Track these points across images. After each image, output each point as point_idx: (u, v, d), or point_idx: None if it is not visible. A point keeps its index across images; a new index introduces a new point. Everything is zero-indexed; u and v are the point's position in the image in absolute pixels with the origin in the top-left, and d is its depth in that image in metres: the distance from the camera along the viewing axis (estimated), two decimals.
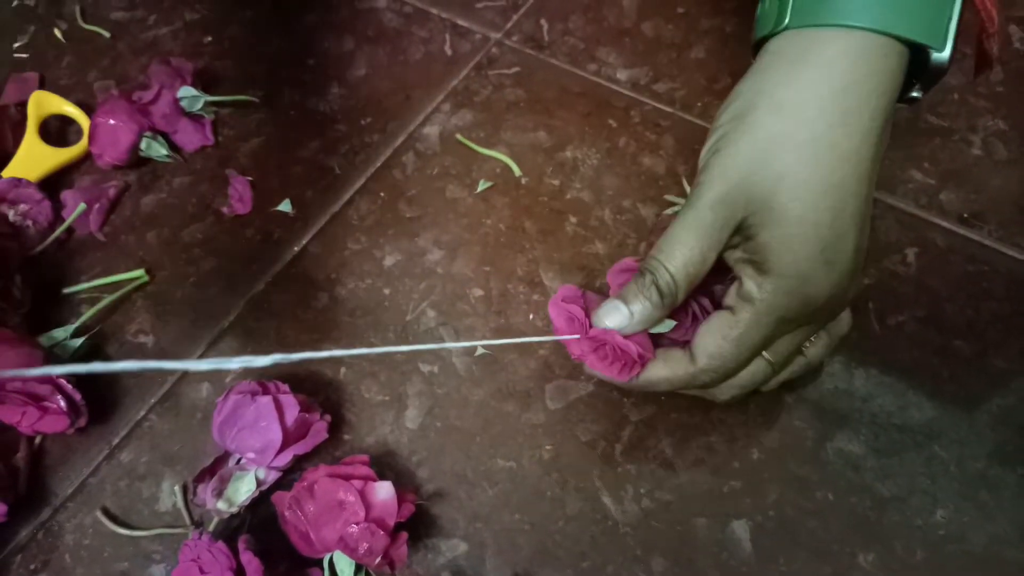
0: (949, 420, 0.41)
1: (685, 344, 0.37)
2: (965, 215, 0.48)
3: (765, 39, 0.36)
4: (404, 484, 0.41)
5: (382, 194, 0.52)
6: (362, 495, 0.36)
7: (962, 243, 0.47)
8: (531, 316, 0.46)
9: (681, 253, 0.34)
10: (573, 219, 0.50)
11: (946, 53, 0.33)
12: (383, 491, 0.37)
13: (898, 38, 0.33)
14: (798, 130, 0.33)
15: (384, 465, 0.42)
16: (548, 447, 0.42)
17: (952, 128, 0.52)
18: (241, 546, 0.36)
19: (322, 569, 0.37)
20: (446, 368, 0.45)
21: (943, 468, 0.40)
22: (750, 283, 0.34)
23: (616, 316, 0.35)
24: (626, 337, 0.36)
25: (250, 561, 0.36)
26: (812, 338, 0.38)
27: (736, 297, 0.35)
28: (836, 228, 0.33)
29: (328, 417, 0.41)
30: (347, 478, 0.37)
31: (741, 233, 0.34)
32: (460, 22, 0.60)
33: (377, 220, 0.51)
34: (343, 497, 0.36)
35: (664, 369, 0.36)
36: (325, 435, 0.40)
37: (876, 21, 0.32)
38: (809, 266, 0.33)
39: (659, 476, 0.41)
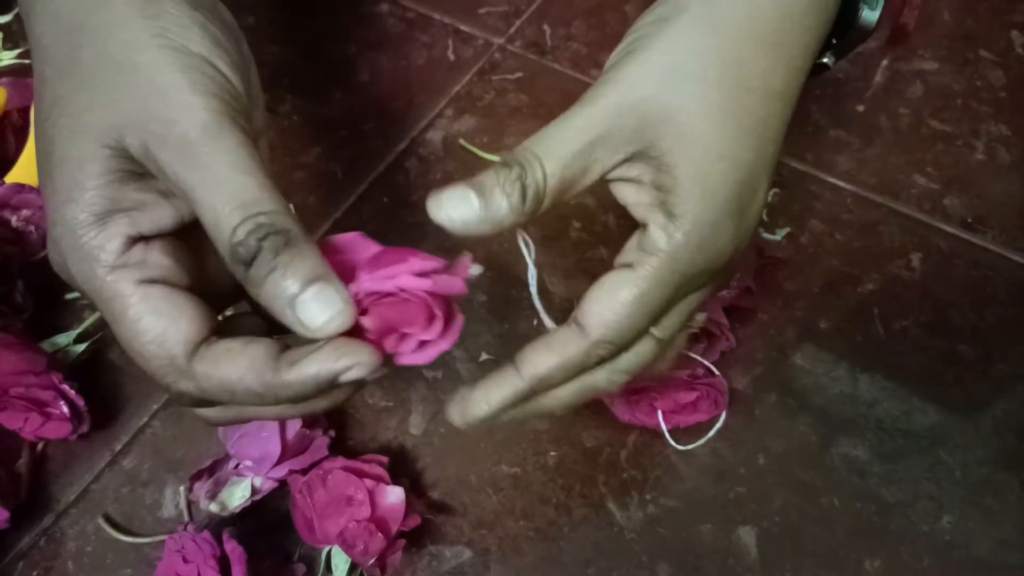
0: (954, 425, 0.41)
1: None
2: (969, 220, 0.48)
3: None
4: (408, 491, 0.41)
5: (385, 200, 0.52)
6: (371, 495, 0.36)
7: (966, 248, 0.47)
8: (535, 322, 0.46)
9: (564, 152, 0.27)
10: (577, 224, 0.50)
11: (876, 13, 0.32)
12: (393, 495, 0.37)
13: None
14: (727, 47, 0.28)
15: (388, 471, 0.41)
16: (553, 453, 0.42)
17: (955, 133, 0.52)
18: (225, 536, 0.37)
19: (306, 563, 0.38)
20: (450, 374, 0.45)
21: (948, 473, 0.40)
22: (657, 231, 0.28)
23: (461, 206, 0.27)
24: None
25: (234, 549, 0.36)
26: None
27: (636, 251, 0.28)
28: (754, 173, 0.28)
29: (332, 433, 0.41)
30: (361, 475, 0.37)
31: (646, 161, 0.28)
32: (463, 27, 0.60)
33: (380, 226, 0.51)
34: (352, 493, 0.37)
35: (550, 355, 0.29)
36: (325, 452, 0.40)
37: None
38: (724, 214, 0.28)
39: (664, 482, 0.41)
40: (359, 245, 0.28)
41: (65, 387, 0.41)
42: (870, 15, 0.32)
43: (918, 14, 0.36)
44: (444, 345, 0.27)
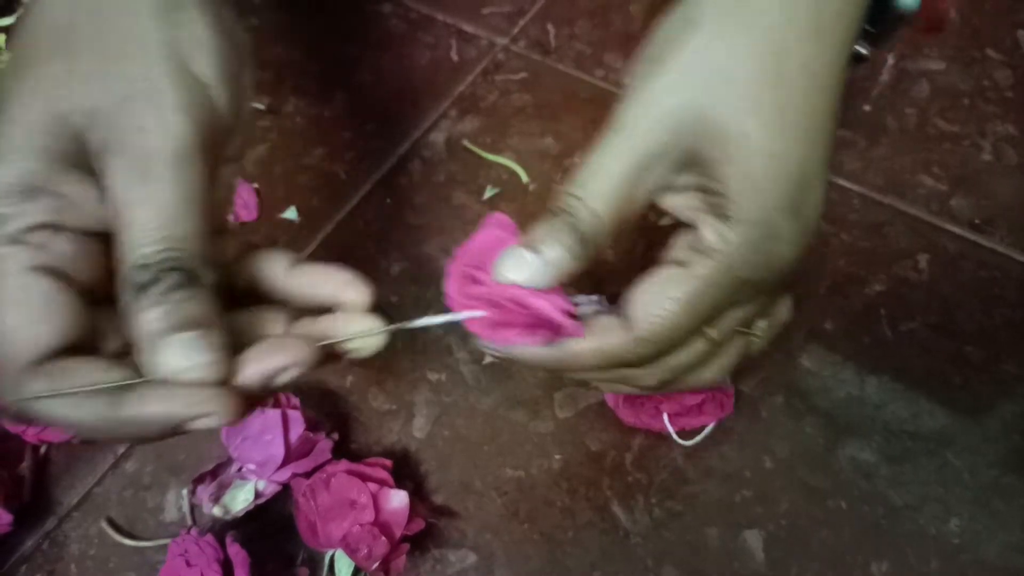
0: (961, 427, 0.41)
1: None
2: (976, 221, 0.48)
3: None
4: (412, 494, 0.40)
5: (388, 201, 0.52)
6: (375, 498, 0.36)
7: (973, 249, 0.47)
8: None
9: (608, 188, 0.27)
10: None
11: None
12: (397, 499, 0.37)
13: None
14: (762, 45, 0.27)
15: (391, 474, 0.41)
16: (557, 456, 0.41)
17: (962, 133, 0.51)
18: (228, 540, 0.37)
19: (309, 567, 0.38)
20: (453, 377, 0.44)
21: (956, 476, 0.40)
22: (710, 232, 0.27)
23: (523, 268, 0.27)
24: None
25: (237, 553, 0.36)
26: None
27: (689, 250, 0.28)
28: (806, 170, 0.27)
29: (335, 436, 0.41)
30: (365, 479, 0.37)
31: (691, 170, 0.28)
32: (466, 28, 0.60)
33: (383, 227, 0.51)
34: (356, 497, 0.36)
35: (590, 338, 0.28)
36: (328, 455, 0.40)
37: None
38: (779, 215, 0.27)
39: (670, 485, 0.40)
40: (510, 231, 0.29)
41: None
42: (908, 2, 0.30)
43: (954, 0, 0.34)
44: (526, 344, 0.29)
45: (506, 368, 0.44)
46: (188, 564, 0.36)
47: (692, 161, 0.27)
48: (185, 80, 0.26)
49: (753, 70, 0.27)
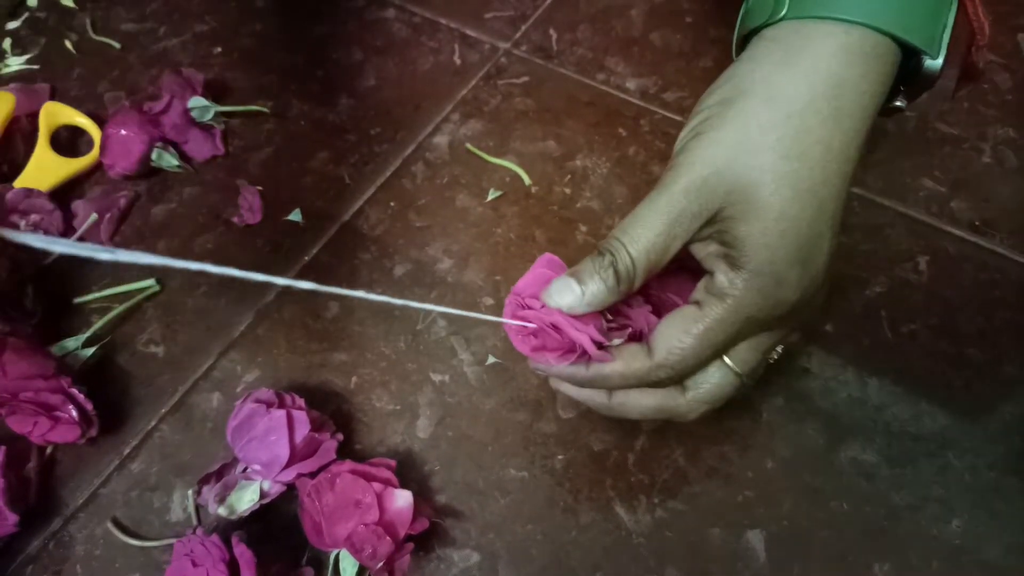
0: (963, 429, 0.41)
1: (640, 338, 0.35)
2: (976, 223, 0.48)
3: (757, 30, 0.34)
4: (416, 494, 0.41)
5: (392, 203, 0.52)
6: (380, 499, 0.36)
7: (973, 251, 0.47)
8: None
9: (646, 237, 0.32)
10: (583, 228, 0.50)
11: (939, 61, 0.33)
12: (401, 499, 0.37)
13: (896, 40, 0.32)
14: (789, 122, 0.31)
15: (395, 474, 0.41)
16: (560, 457, 0.42)
17: (962, 136, 0.52)
18: (234, 540, 0.37)
19: (314, 567, 0.38)
20: (457, 378, 0.45)
21: (957, 477, 0.40)
22: (722, 277, 0.32)
23: (567, 295, 0.32)
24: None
25: (243, 553, 0.36)
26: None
27: (704, 292, 0.33)
28: (815, 228, 0.32)
29: (340, 436, 0.41)
30: (369, 479, 0.37)
31: (715, 224, 0.32)
32: (469, 32, 0.60)
33: (387, 229, 0.51)
34: (360, 497, 0.37)
35: (617, 363, 0.34)
36: (333, 455, 0.40)
37: (877, 20, 0.32)
38: (785, 265, 0.32)
39: (672, 486, 0.40)
40: (558, 269, 0.35)
41: (74, 391, 0.41)
42: (933, 64, 0.33)
43: (985, 51, 0.37)
44: (560, 364, 0.34)
45: (509, 370, 0.44)
46: (194, 564, 0.36)
47: (717, 218, 0.32)
48: None
49: (777, 148, 0.31)
